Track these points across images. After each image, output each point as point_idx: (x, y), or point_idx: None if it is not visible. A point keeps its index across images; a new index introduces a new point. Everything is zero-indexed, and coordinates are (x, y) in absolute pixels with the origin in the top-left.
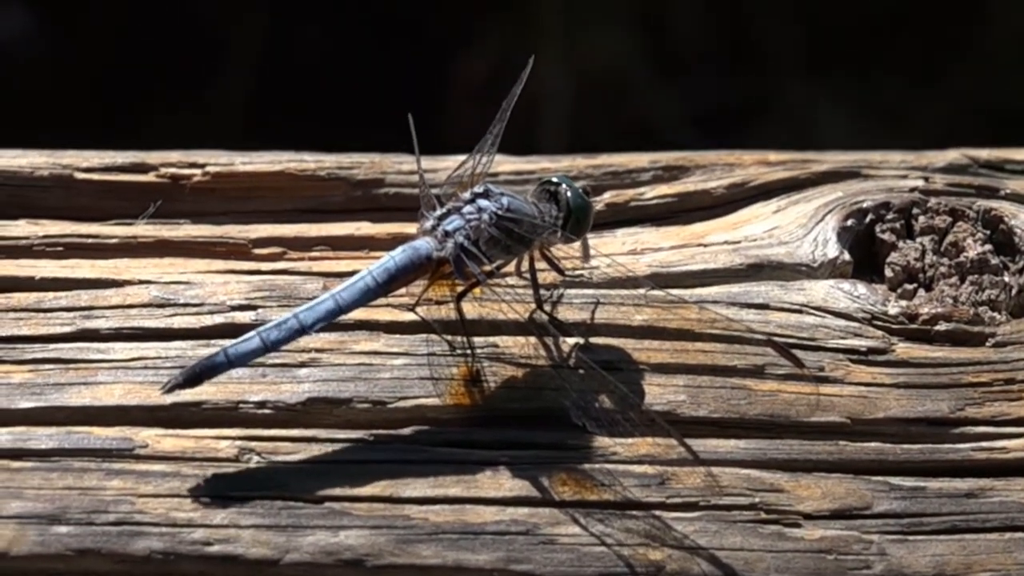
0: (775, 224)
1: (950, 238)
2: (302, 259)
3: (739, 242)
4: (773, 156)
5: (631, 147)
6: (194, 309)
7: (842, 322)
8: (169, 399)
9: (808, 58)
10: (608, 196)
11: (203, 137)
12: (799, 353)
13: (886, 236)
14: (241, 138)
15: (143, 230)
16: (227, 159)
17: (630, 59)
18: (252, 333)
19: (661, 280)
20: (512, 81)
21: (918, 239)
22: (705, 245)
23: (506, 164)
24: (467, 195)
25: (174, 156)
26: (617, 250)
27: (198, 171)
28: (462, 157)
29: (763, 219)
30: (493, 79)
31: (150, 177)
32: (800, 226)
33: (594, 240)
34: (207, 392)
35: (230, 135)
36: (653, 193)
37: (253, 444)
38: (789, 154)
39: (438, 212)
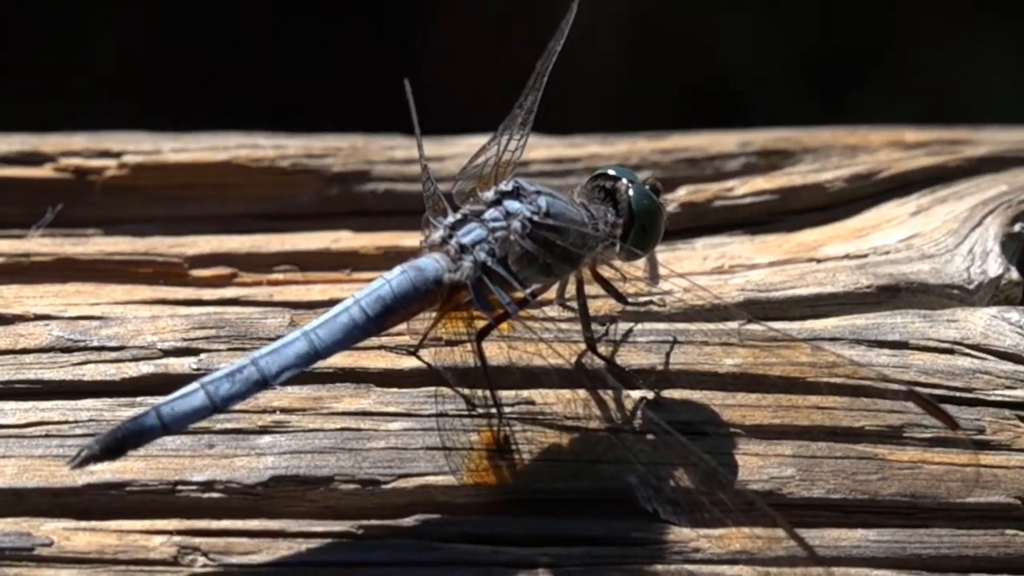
0: (915, 230)
1: None
2: (259, 283)
3: (865, 256)
4: (911, 135)
5: (706, 117)
6: (112, 354)
7: (1009, 366)
8: (81, 479)
9: None
10: (683, 193)
11: (114, 117)
12: (951, 409)
13: None
14: (163, 120)
15: (38, 245)
16: (152, 144)
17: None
18: (194, 385)
19: (758, 309)
20: (536, 31)
21: None
22: (819, 260)
23: (541, 149)
24: (490, 194)
25: (78, 141)
26: (697, 268)
27: (112, 162)
28: (480, 139)
29: (898, 223)
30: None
31: (46, 171)
32: (950, 233)
33: (665, 255)
34: (134, 468)
35: (143, 114)
36: (745, 189)
37: (197, 541)
38: (933, 131)
39: (450, 218)
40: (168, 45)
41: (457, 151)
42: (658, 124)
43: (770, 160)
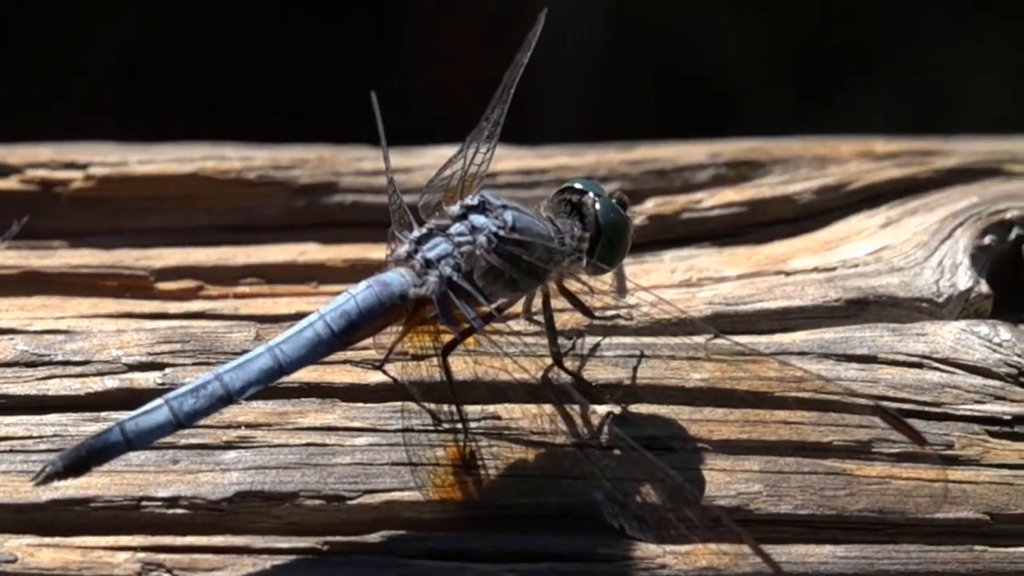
0: (884, 243)
1: None
2: (225, 296)
3: (834, 269)
4: (881, 146)
5: (682, 125)
6: (77, 369)
7: (978, 380)
8: (45, 494)
9: None
10: (651, 205)
11: (81, 128)
12: (918, 424)
13: None
14: (130, 131)
15: (3, 257)
16: (119, 156)
17: None
18: (158, 401)
19: (726, 323)
20: (510, 34)
21: None
22: (787, 273)
23: (508, 160)
24: (456, 208)
25: (44, 153)
26: (665, 281)
27: (78, 174)
28: (447, 150)
29: (867, 236)
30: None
31: (12, 183)
32: (919, 246)
33: (633, 267)
34: (98, 484)
35: (114, 126)
36: (714, 200)
37: (162, 557)
38: (903, 142)
39: (416, 233)
40: (155, 48)
41: (424, 162)
42: (639, 126)
43: (739, 171)
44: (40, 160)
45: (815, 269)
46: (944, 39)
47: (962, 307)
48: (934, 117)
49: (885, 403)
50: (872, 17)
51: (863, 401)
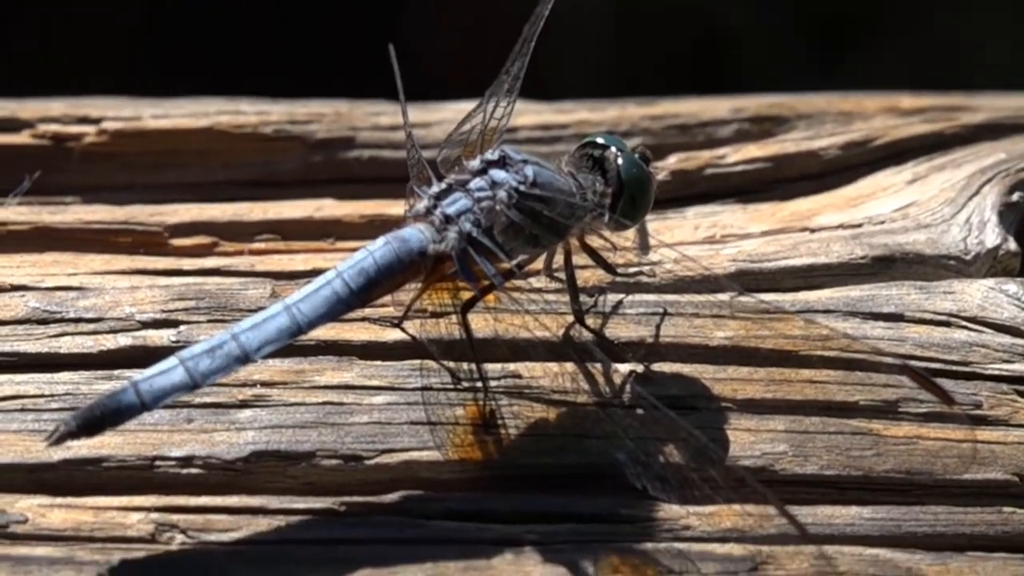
0: (911, 199)
1: None
2: (241, 253)
3: (860, 225)
4: (907, 101)
5: (700, 82)
6: (90, 326)
7: (1006, 339)
8: (57, 454)
9: None
10: (674, 161)
11: (92, 80)
12: (947, 383)
13: None
14: (145, 85)
15: (14, 213)
16: (132, 111)
17: None
18: (173, 360)
19: (750, 280)
20: None
21: None
22: (812, 230)
23: (528, 115)
24: (476, 163)
25: (57, 107)
26: (688, 238)
27: (91, 128)
28: (466, 105)
29: (894, 192)
30: None
31: (23, 137)
32: (947, 202)
33: (655, 223)
34: (111, 444)
35: (128, 80)
36: (737, 156)
37: (176, 518)
38: (930, 97)
39: (435, 188)
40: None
41: (443, 117)
42: (649, 86)
43: (763, 127)
44: (52, 114)
45: (841, 226)
46: (955, 2)
47: (990, 265)
48: (945, 80)
49: (913, 362)
50: None
51: (890, 360)
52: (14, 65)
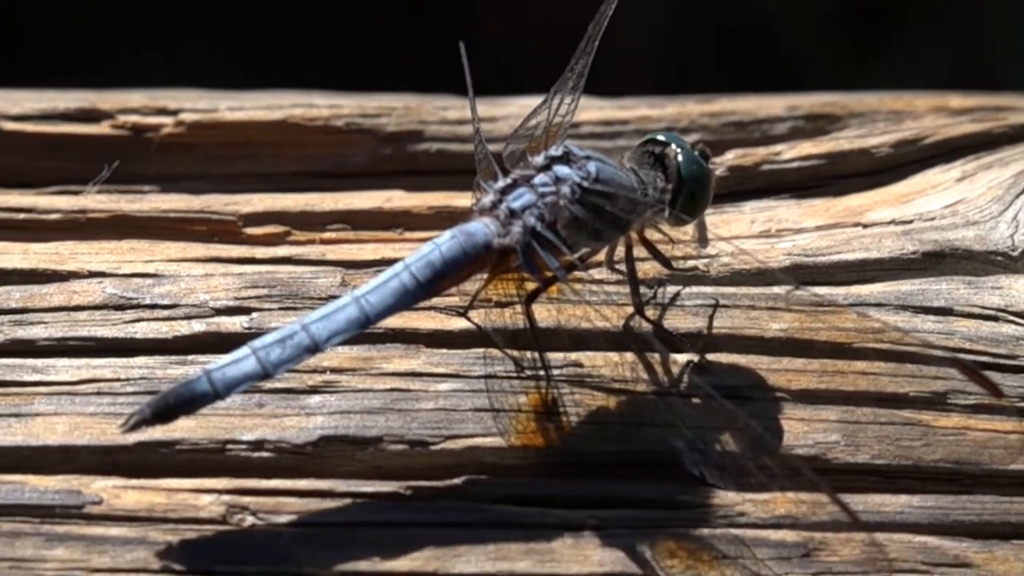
0: (960, 196)
1: None
2: (312, 242)
3: (911, 221)
4: (956, 101)
5: (744, 76)
6: (165, 312)
7: None
8: (131, 437)
9: None
10: (731, 157)
11: (174, 76)
12: (995, 376)
13: None
14: (221, 80)
15: (94, 201)
16: (208, 103)
17: None
18: (245, 350)
19: (804, 274)
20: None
21: None
22: (865, 225)
23: (591, 111)
24: (540, 159)
25: (136, 99)
26: (745, 232)
27: (169, 120)
28: (531, 100)
29: (943, 189)
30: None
31: (103, 128)
32: (995, 199)
33: (713, 217)
34: (184, 427)
35: (208, 74)
36: (793, 153)
37: (246, 500)
38: (978, 97)
39: (500, 183)
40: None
41: (509, 112)
42: (699, 78)
43: (817, 124)
44: (132, 106)
45: (892, 222)
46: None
47: None
48: (976, 78)
49: (961, 355)
50: None
51: (940, 353)
52: (101, 56)
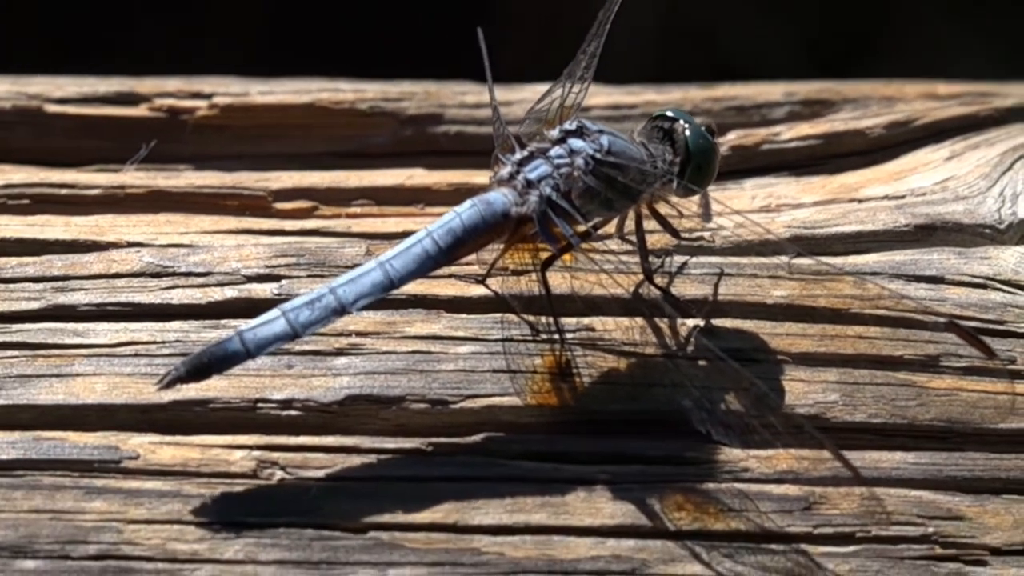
0: (949, 174)
1: None
2: (338, 216)
3: (903, 197)
4: (943, 87)
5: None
6: (199, 280)
7: None
8: (167, 396)
9: None
10: (733, 137)
11: (206, 62)
12: (985, 340)
13: None
14: (254, 64)
15: (132, 178)
16: (240, 87)
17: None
18: (275, 312)
19: (803, 245)
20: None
21: None
22: (860, 200)
23: (600, 96)
24: (555, 133)
25: (172, 84)
26: (746, 206)
27: (203, 103)
28: (545, 87)
29: (933, 167)
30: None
31: (141, 111)
32: (982, 176)
33: (716, 194)
34: (216, 387)
35: (239, 60)
36: (791, 133)
37: (276, 455)
38: (964, 85)
39: (518, 155)
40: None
41: (523, 96)
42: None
43: (813, 109)
44: (168, 90)
45: (886, 197)
46: (935, 31)
47: (1022, 233)
48: None
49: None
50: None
51: (938, 318)
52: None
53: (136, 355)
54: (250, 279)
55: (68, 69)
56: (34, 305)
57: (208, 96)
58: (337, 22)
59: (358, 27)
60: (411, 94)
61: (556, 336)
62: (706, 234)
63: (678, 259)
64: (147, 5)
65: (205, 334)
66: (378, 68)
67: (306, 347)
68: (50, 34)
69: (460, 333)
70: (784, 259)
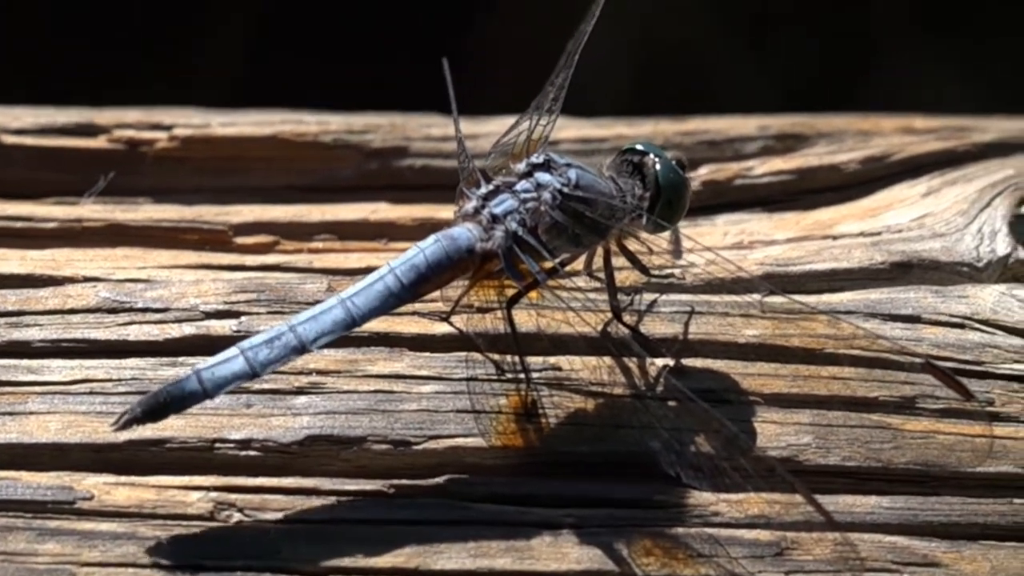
0: (926, 210)
1: None
2: (300, 251)
3: (879, 233)
4: (920, 122)
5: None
6: (156, 316)
7: (1018, 340)
8: (122, 435)
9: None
10: (705, 172)
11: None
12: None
13: None
14: (225, 97)
15: (89, 211)
16: (201, 119)
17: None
18: (234, 350)
19: (776, 283)
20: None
21: None
22: (834, 237)
23: (569, 129)
24: (522, 167)
25: (131, 115)
26: (718, 243)
27: (163, 134)
28: (510, 119)
29: (910, 204)
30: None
31: (100, 142)
32: (959, 213)
33: (687, 230)
34: (173, 426)
35: (209, 94)
36: (764, 168)
37: (234, 497)
38: (940, 119)
39: (483, 189)
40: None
41: (490, 129)
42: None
43: (786, 143)
44: (127, 121)
45: (861, 234)
46: (911, 65)
47: (1000, 271)
48: None
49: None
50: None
51: (914, 359)
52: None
53: (91, 393)
54: (209, 315)
55: (23, 98)
56: None
57: (168, 127)
58: (303, 54)
59: (323, 59)
60: (376, 126)
61: (522, 375)
62: (676, 271)
63: (647, 297)
64: (108, 37)
65: (162, 372)
66: (342, 100)
67: (265, 385)
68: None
69: (423, 372)
70: (756, 297)
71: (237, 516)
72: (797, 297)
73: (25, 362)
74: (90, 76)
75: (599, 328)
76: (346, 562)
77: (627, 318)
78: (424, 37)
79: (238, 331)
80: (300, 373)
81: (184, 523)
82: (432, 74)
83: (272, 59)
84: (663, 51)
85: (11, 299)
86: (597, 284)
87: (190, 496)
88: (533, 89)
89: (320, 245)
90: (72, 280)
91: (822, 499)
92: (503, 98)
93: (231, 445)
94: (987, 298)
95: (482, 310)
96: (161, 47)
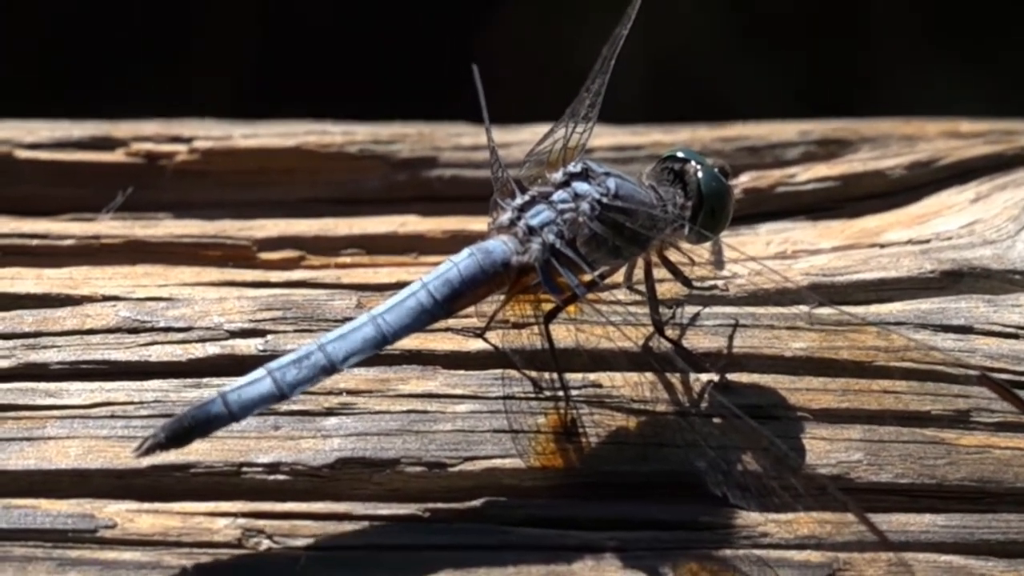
0: (976, 217)
1: None
2: (327, 266)
3: (928, 241)
4: (966, 125)
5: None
6: (179, 335)
7: None
8: (145, 460)
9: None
10: (746, 179)
11: (188, 108)
12: (1018, 394)
13: None
14: (236, 109)
15: (108, 227)
16: (222, 131)
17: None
18: (261, 371)
19: (822, 293)
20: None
21: None
22: (882, 246)
23: (604, 136)
24: (558, 176)
25: (150, 128)
26: (761, 253)
27: (183, 147)
28: (544, 127)
29: (959, 210)
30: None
31: (118, 156)
32: (1011, 219)
33: (729, 240)
34: (199, 450)
35: (222, 105)
36: (807, 175)
37: (262, 523)
38: (987, 123)
39: (518, 200)
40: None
41: (522, 138)
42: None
43: (828, 149)
44: (145, 134)
45: (909, 241)
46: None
47: None
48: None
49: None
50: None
51: (969, 371)
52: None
53: (112, 416)
54: (233, 334)
55: (39, 112)
56: (3, 364)
57: (188, 140)
58: (325, 63)
59: (347, 68)
60: (403, 136)
61: (561, 393)
62: (720, 283)
63: (690, 310)
64: (125, 46)
65: (186, 394)
66: (367, 110)
67: (294, 407)
68: (21, 76)
69: (458, 391)
70: (803, 309)
71: (266, 543)
72: (845, 308)
73: (43, 385)
74: (90, 75)
75: (640, 343)
76: None
77: (669, 332)
78: (424, 37)
79: (264, 350)
80: (330, 393)
81: (211, 551)
82: (433, 75)
83: (273, 60)
84: (670, 58)
85: (28, 320)
86: (638, 297)
87: (217, 523)
88: (534, 91)
89: (348, 260)
90: (91, 299)
91: (875, 518)
92: (526, 104)
93: (259, 469)
94: None
95: (518, 325)
96: (161, 47)
